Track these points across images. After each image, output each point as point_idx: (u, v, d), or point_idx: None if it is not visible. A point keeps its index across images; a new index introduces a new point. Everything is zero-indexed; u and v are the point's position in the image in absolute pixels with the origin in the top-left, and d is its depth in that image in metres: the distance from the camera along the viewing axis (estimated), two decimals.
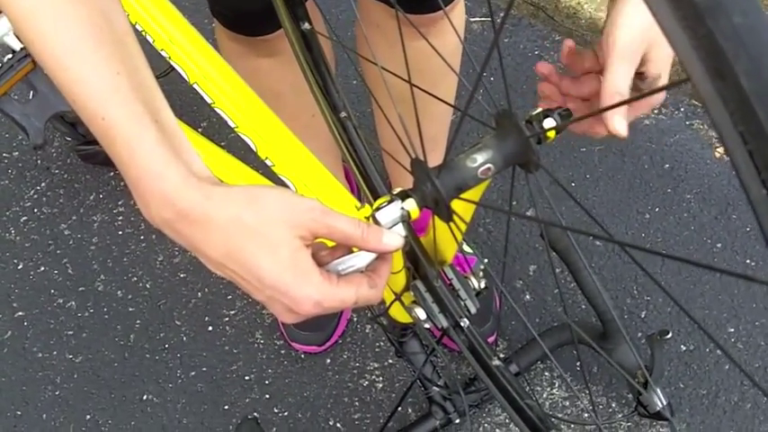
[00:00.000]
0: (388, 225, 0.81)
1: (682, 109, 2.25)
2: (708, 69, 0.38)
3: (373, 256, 0.83)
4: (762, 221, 0.41)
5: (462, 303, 1.21)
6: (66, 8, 0.70)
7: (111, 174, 2.28)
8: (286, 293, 0.75)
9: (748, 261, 2.00)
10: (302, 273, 0.75)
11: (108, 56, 0.71)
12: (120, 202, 2.24)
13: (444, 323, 1.19)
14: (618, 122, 0.90)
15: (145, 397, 1.96)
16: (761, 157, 0.39)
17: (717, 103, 0.39)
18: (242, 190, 0.75)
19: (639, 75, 0.94)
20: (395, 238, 0.81)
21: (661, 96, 0.97)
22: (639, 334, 1.91)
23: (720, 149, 2.16)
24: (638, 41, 0.91)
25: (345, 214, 0.78)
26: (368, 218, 0.82)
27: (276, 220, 0.74)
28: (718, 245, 2.03)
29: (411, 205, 0.81)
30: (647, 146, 2.19)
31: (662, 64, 0.94)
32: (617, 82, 0.91)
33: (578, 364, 1.90)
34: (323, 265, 0.80)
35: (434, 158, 0.80)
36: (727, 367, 1.87)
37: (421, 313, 1.21)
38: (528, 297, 2.00)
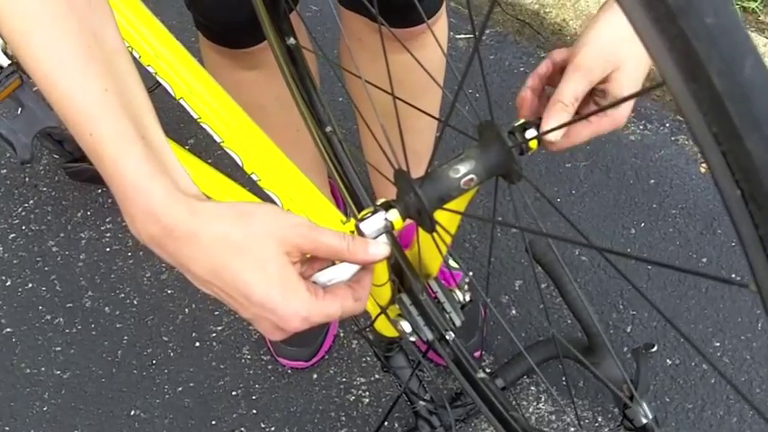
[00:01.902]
0: (372, 236, 0.81)
1: (667, 124, 2.26)
2: (681, 71, 0.39)
3: (357, 267, 0.83)
4: (736, 221, 0.42)
5: (447, 316, 1.21)
6: (56, 26, 0.70)
7: (99, 191, 2.28)
8: (274, 310, 0.75)
9: (734, 275, 2.01)
10: (289, 289, 0.75)
11: (96, 73, 0.72)
12: (107, 219, 2.24)
13: (429, 336, 1.20)
14: (551, 125, 0.90)
15: (132, 412, 1.96)
16: (734, 158, 0.39)
17: (690, 104, 0.39)
18: (229, 206, 0.75)
19: (602, 92, 0.95)
20: (381, 247, 0.81)
21: (623, 116, 0.96)
22: (625, 348, 1.91)
23: (705, 164, 2.17)
24: (597, 60, 0.91)
25: (330, 228, 0.78)
26: (353, 231, 0.83)
27: (263, 237, 0.74)
28: (704, 259, 2.03)
29: (394, 216, 0.82)
30: (633, 161, 2.20)
31: (625, 87, 0.94)
32: (561, 91, 0.91)
33: (564, 378, 1.90)
34: (305, 278, 0.80)
35: (420, 172, 0.80)
36: (713, 381, 1.87)
37: (406, 326, 1.21)
38: (514, 312, 2.01)
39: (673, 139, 2.24)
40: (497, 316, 1.95)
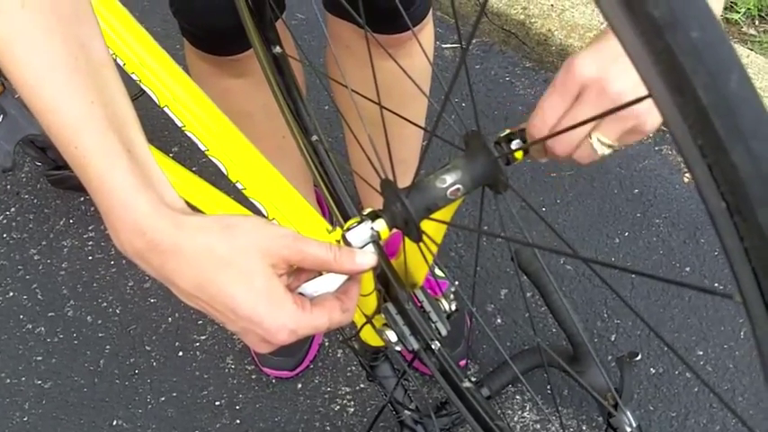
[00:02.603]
0: (359, 245, 0.81)
1: (650, 134, 2.27)
2: (667, 84, 0.39)
3: (344, 278, 0.83)
4: (721, 233, 0.42)
5: (433, 326, 1.21)
6: (42, 37, 0.70)
7: (81, 199, 2.27)
8: (260, 324, 0.74)
9: (717, 284, 2.02)
10: (276, 302, 0.74)
11: (82, 85, 0.71)
12: (90, 228, 2.23)
13: (415, 345, 1.19)
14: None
15: (115, 422, 1.95)
16: (720, 171, 0.39)
17: (676, 117, 0.39)
18: (214, 219, 0.74)
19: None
20: (368, 257, 0.80)
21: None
22: (609, 357, 1.92)
23: (689, 174, 2.18)
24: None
25: (316, 239, 0.78)
26: (338, 241, 0.82)
27: (248, 250, 0.73)
28: (687, 269, 2.04)
29: (381, 226, 0.81)
30: (617, 171, 2.20)
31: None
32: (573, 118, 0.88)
33: (548, 386, 1.90)
34: (292, 290, 0.80)
35: (406, 181, 0.80)
36: (696, 390, 1.88)
37: (392, 336, 1.21)
38: (499, 321, 2.01)
39: (656, 149, 2.25)
40: (483, 325, 1.95)
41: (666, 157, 2.23)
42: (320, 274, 0.82)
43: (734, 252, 0.42)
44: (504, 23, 2.44)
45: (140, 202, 0.72)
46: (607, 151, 0.88)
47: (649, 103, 0.41)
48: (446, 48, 2.50)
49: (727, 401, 1.87)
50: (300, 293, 0.81)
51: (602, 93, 0.84)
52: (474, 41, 2.52)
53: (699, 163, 0.40)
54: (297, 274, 0.81)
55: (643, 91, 0.41)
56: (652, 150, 2.24)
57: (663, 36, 0.38)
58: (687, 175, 2.19)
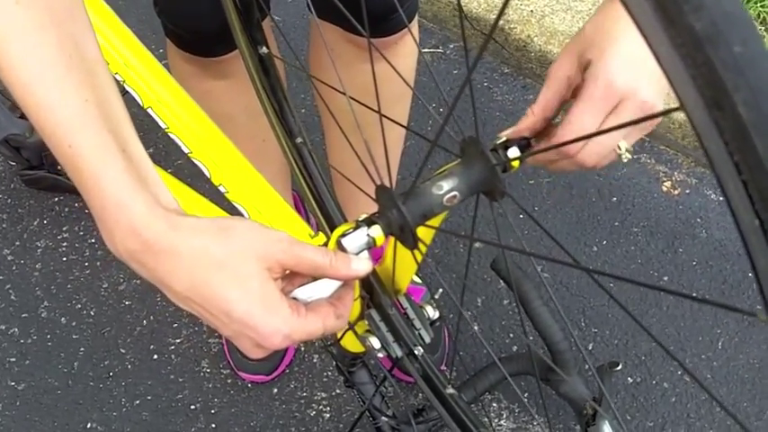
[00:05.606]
0: (354, 252, 0.80)
1: None
2: (705, 98, 0.38)
3: (338, 284, 0.82)
4: (752, 252, 0.41)
5: (417, 332, 1.20)
6: (36, 34, 0.68)
7: (56, 199, 2.25)
8: (255, 328, 0.73)
9: (694, 295, 2.02)
10: (271, 306, 0.73)
11: (76, 83, 0.70)
12: (64, 228, 2.20)
13: (399, 352, 1.19)
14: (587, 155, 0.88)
15: (89, 425, 1.92)
16: (756, 189, 0.38)
17: (712, 132, 0.38)
18: (210, 221, 0.73)
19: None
20: (363, 263, 0.79)
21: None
22: (587, 366, 1.92)
23: (667, 184, 2.19)
24: (608, 92, 0.87)
25: (312, 244, 0.77)
26: (323, 244, 0.81)
27: (245, 252, 0.72)
28: (665, 278, 2.04)
29: (377, 232, 0.80)
30: (595, 179, 2.20)
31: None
32: (577, 123, 0.89)
33: (526, 395, 1.90)
34: (285, 294, 0.78)
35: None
36: (673, 400, 1.88)
37: (375, 342, 1.20)
38: (476, 328, 2.00)
39: (635, 157, 2.25)
40: (473, 327, 1.95)
41: (645, 165, 2.23)
42: (313, 280, 0.81)
43: (765, 273, 0.41)
44: (483, 28, 2.44)
45: (136, 202, 0.70)
46: (630, 156, 0.92)
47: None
48: (425, 52, 2.49)
49: (708, 409, 1.87)
50: (294, 298, 0.80)
51: (636, 103, 0.87)
52: (452, 46, 2.51)
53: (733, 179, 0.39)
54: (290, 278, 0.80)
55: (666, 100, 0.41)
56: (631, 159, 2.24)
57: (703, 49, 0.37)
58: (665, 184, 2.19)
